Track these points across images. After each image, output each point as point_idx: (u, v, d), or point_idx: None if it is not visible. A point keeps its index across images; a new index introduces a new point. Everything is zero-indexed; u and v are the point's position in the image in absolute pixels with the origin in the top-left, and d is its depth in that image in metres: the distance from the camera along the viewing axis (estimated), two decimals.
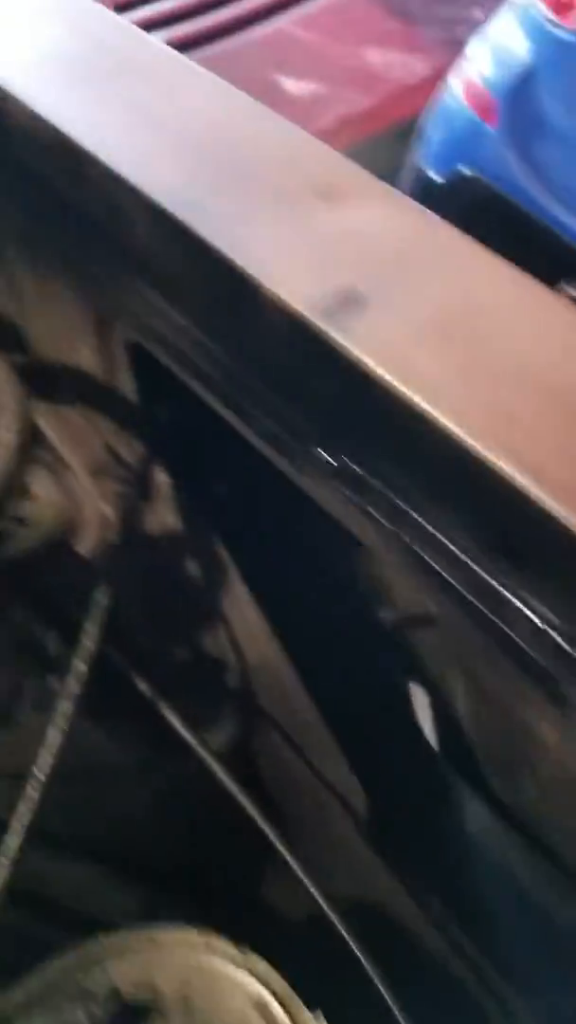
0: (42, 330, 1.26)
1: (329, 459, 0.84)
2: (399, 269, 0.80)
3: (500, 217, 2.64)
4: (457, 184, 2.89)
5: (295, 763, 1.38)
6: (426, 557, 0.82)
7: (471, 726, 1.30)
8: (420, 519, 0.81)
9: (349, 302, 0.77)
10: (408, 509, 0.82)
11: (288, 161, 0.89)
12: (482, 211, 2.74)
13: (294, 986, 1.04)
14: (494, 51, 2.91)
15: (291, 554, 1.26)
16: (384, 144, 3.05)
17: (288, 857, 1.20)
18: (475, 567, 0.79)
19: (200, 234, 0.81)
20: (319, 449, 0.85)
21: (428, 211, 0.86)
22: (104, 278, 0.98)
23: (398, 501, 0.82)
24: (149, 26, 3.16)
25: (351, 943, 1.15)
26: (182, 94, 0.95)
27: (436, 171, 2.92)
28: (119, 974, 0.98)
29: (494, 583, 0.78)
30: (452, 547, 0.80)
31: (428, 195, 2.91)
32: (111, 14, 1.08)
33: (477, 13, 3.36)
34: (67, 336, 1.20)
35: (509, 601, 0.77)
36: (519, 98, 2.79)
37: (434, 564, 0.81)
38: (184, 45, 3.13)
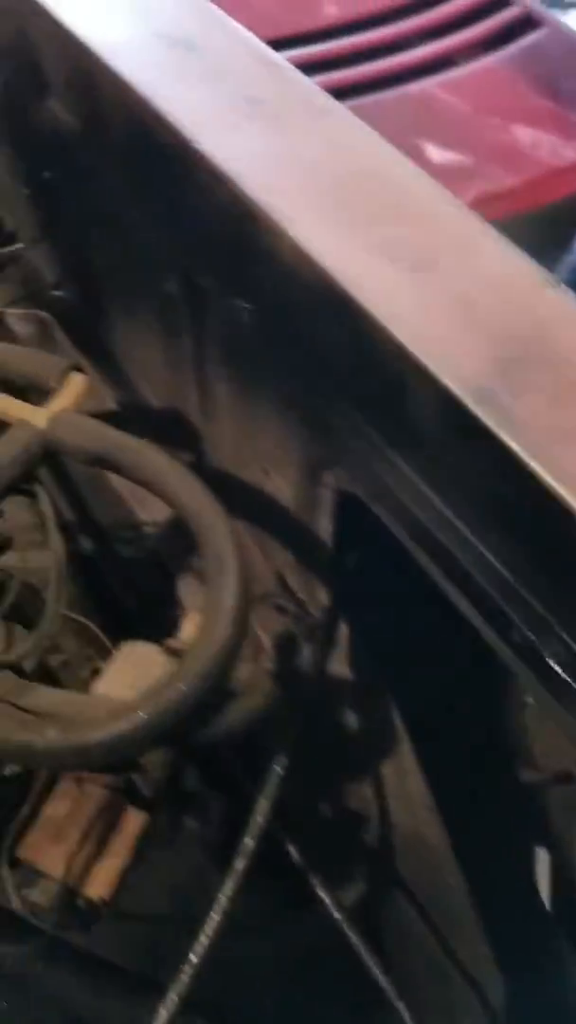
0: (225, 440, 1.17)
1: None
2: None
3: None
4: None
5: (421, 929, 1.31)
6: None
7: None
8: None
9: None
10: None
11: None
12: None
13: None
14: None
15: (460, 719, 1.17)
16: (524, 226, 2.95)
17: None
18: None
19: (509, 443, 0.71)
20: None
21: None
22: (347, 437, 0.88)
23: None
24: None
25: None
26: (479, 259, 0.85)
27: None
28: None
29: None
30: None
31: None
32: (374, 134, 0.97)
33: None
34: (260, 458, 1.11)
35: None
36: None
37: None
38: (330, 94, 3.03)
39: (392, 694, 1.15)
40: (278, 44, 3.20)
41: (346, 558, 1.08)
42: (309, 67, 3.16)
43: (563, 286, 0.86)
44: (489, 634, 0.84)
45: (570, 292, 0.85)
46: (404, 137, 3.02)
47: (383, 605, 1.10)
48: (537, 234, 2.98)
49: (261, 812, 0.96)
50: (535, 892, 1.33)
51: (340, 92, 3.12)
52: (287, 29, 3.19)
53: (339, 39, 3.26)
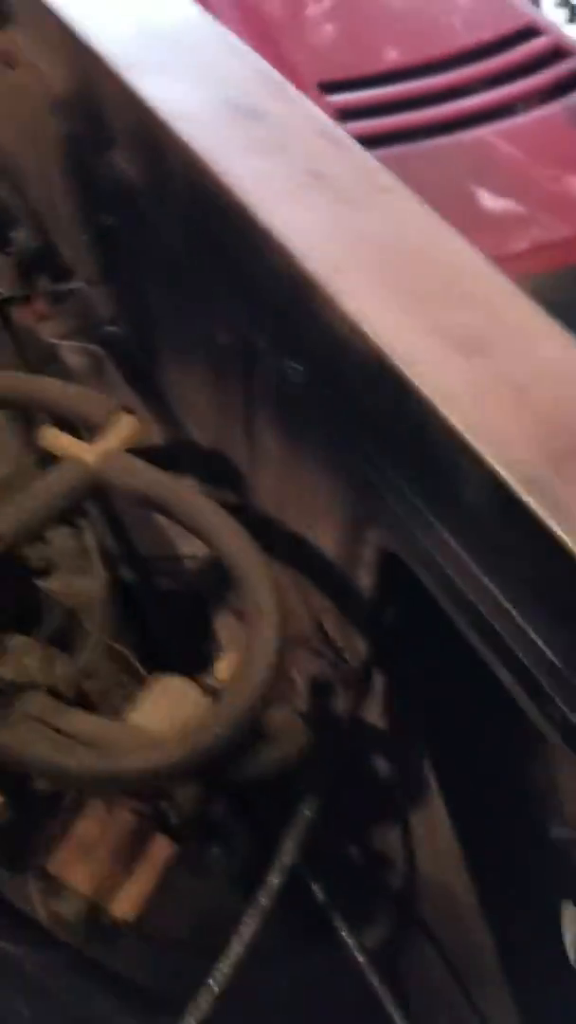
0: (270, 487, 1.20)
1: None
2: None
3: None
4: None
5: (444, 978, 1.31)
6: None
7: None
8: None
9: None
10: None
11: None
12: None
13: None
14: None
15: (492, 774, 1.19)
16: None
17: None
18: None
19: (558, 533, 0.74)
20: None
21: None
22: (391, 499, 0.91)
23: None
24: (349, 114, 3.12)
25: None
26: (535, 346, 0.87)
27: None
28: None
29: None
30: None
31: None
32: (434, 215, 1.00)
33: None
34: (304, 508, 1.14)
35: None
36: None
37: None
38: (384, 139, 3.07)
39: (425, 746, 1.17)
40: (337, 86, 3.26)
41: (385, 612, 1.11)
42: (367, 110, 3.21)
43: None
44: (525, 702, 0.86)
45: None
46: (459, 183, 3.06)
47: (420, 660, 1.12)
48: None
49: (287, 853, 0.99)
50: (562, 949, 1.34)
51: (397, 136, 3.16)
52: (346, 71, 3.24)
53: (398, 83, 3.30)
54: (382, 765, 1.21)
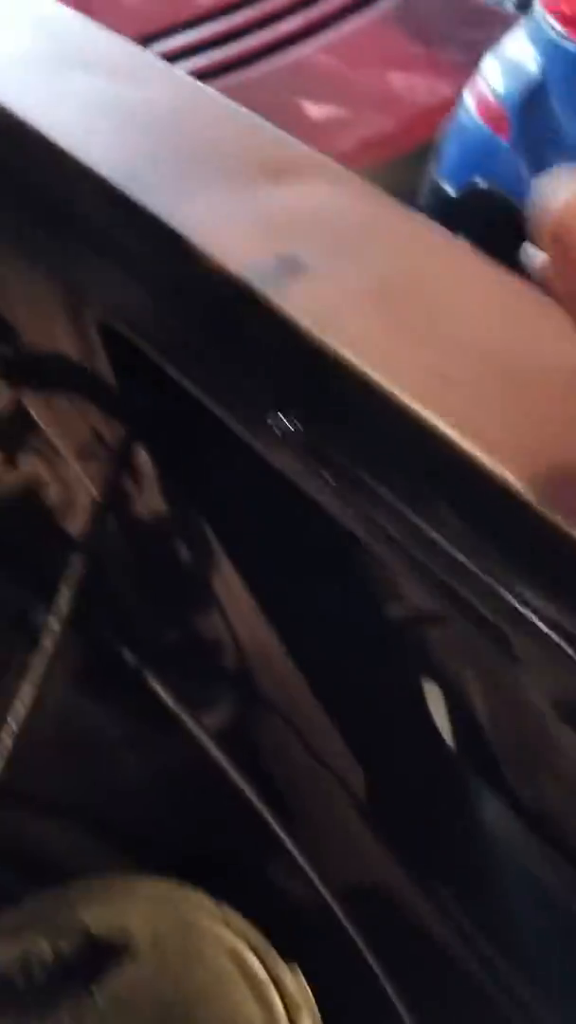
0: (24, 319, 1.30)
1: (282, 425, 0.84)
2: (340, 240, 0.84)
3: (515, 227, 2.63)
4: (472, 197, 2.95)
5: (295, 746, 1.38)
6: (403, 542, 0.80)
7: (487, 724, 1.28)
8: (379, 489, 0.80)
9: (288, 268, 0.80)
10: (364, 477, 0.80)
11: (238, 141, 0.93)
12: (497, 222, 2.75)
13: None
14: (505, 66, 2.97)
15: (280, 538, 1.25)
16: (407, 165, 3.09)
17: (285, 838, 1.21)
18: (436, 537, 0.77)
19: (140, 202, 0.85)
20: (271, 417, 0.85)
21: (375, 187, 0.89)
22: (62, 258, 1.02)
23: (349, 465, 0.81)
24: (174, 56, 3.23)
25: (351, 930, 1.16)
26: (141, 84, 1.00)
27: (451, 185, 2.98)
28: (91, 915, 1.01)
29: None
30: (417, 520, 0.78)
31: (444, 208, 2.97)
32: (74, 14, 1.12)
33: (502, 35, 3.39)
34: (46, 322, 1.24)
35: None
36: (530, 111, 2.84)
37: (420, 557, 0.79)
38: (207, 74, 3.19)
39: (206, 519, 1.27)
40: (153, 38, 3.37)
41: (133, 393, 1.20)
42: (187, 52, 3.32)
43: (228, 101, 1.00)
44: (226, 416, 0.93)
45: (231, 103, 0.99)
46: (286, 101, 3.18)
47: (175, 431, 1.21)
48: (420, 171, 3.13)
49: (64, 599, 1.09)
50: (421, 718, 1.39)
51: (217, 71, 3.28)
52: (160, 23, 3.36)
53: (212, 23, 3.42)
54: (181, 548, 1.31)
